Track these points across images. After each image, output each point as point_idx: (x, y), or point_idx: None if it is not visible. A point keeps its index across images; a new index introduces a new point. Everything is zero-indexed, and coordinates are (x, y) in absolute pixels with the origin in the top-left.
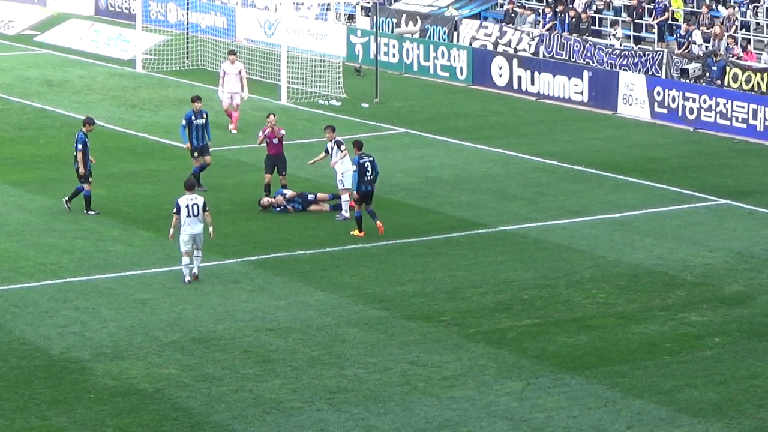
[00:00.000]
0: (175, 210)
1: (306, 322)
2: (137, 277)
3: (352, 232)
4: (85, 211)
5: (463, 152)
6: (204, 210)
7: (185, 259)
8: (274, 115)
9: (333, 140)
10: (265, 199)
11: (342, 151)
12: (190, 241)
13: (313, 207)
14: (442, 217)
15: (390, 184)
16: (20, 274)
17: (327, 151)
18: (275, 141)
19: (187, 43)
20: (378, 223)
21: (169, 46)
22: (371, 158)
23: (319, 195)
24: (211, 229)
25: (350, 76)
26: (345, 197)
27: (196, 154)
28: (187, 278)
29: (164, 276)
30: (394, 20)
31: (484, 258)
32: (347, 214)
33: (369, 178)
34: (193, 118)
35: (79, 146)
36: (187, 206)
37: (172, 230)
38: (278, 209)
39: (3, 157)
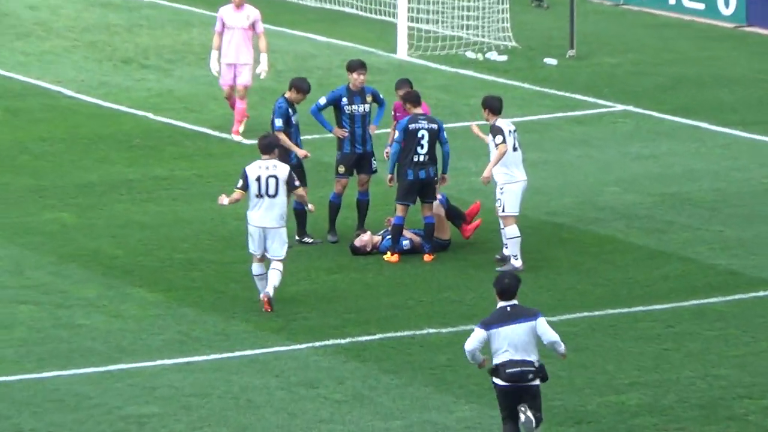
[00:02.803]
0: (240, 183)
1: None
2: None
3: (384, 257)
4: None
5: (731, 147)
6: (290, 187)
7: (255, 267)
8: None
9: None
10: (360, 237)
11: (499, 143)
12: (259, 237)
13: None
14: (693, 266)
15: (596, 207)
16: None
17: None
18: None
19: None
20: (426, 256)
21: None
22: (436, 125)
23: (414, 239)
24: (310, 206)
25: (525, 8)
26: (512, 231)
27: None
28: (261, 294)
29: None
30: None
31: None
32: (518, 263)
33: (422, 158)
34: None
35: None
36: (258, 178)
37: (225, 200)
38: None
39: None
